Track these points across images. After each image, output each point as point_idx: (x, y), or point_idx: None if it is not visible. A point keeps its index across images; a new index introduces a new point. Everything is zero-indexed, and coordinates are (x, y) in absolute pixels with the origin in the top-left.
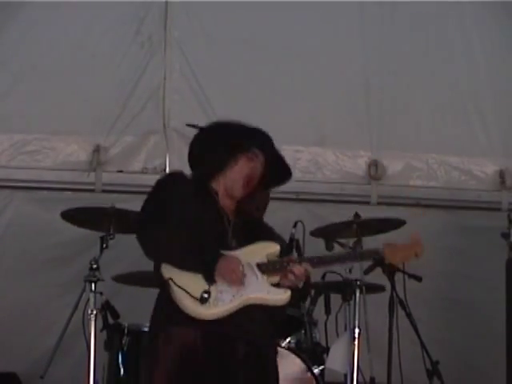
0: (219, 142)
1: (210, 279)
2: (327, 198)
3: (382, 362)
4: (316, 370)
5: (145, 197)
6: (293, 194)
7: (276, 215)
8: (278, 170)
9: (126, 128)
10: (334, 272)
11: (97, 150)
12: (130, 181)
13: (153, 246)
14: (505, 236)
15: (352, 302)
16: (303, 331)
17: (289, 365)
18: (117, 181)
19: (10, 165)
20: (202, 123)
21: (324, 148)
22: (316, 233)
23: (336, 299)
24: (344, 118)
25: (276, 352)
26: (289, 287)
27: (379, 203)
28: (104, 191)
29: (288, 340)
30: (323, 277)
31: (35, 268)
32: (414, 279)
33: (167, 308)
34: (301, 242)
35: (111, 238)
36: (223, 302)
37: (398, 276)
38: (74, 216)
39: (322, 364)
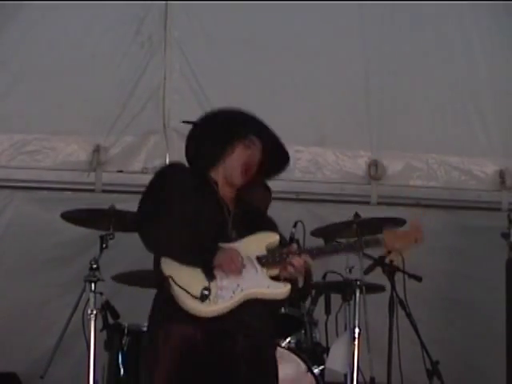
0: (215, 132)
1: (210, 275)
2: (327, 197)
3: (382, 362)
4: (316, 370)
5: None
6: (293, 193)
7: (276, 215)
8: (277, 156)
9: (126, 128)
10: (335, 272)
11: (97, 149)
12: (130, 181)
13: (153, 240)
14: (505, 236)
15: (352, 302)
16: (303, 331)
17: (289, 365)
18: (117, 181)
19: (9, 165)
20: None
21: (324, 148)
22: (316, 233)
23: (336, 299)
24: (344, 118)
25: (275, 347)
26: (289, 279)
27: (379, 203)
28: (104, 191)
29: (288, 340)
30: (324, 277)
31: (35, 268)
32: (414, 279)
33: (166, 306)
34: (301, 241)
35: (111, 238)
36: (223, 298)
37: (398, 276)
38: (73, 216)
39: (322, 364)
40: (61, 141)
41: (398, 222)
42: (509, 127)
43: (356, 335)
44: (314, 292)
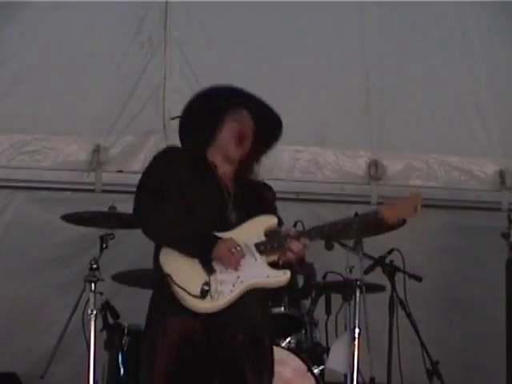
0: (201, 113)
1: (209, 269)
2: (327, 198)
3: (382, 361)
4: (316, 370)
5: None
6: (293, 193)
7: None
8: (269, 123)
9: (125, 128)
10: (335, 272)
11: (97, 150)
12: (129, 181)
13: (151, 228)
14: (505, 236)
15: (352, 302)
16: (303, 331)
17: (289, 365)
18: (117, 181)
19: (9, 165)
20: None
21: (324, 148)
22: None
23: (336, 299)
24: (344, 118)
25: (272, 338)
26: (289, 263)
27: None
28: (104, 191)
29: (288, 340)
30: (324, 277)
31: (35, 268)
32: (414, 279)
33: (165, 300)
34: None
35: (111, 238)
36: (223, 294)
37: (398, 276)
38: (73, 217)
39: (322, 364)
40: (61, 141)
41: (398, 222)
42: (509, 127)
43: (356, 335)
44: (314, 292)
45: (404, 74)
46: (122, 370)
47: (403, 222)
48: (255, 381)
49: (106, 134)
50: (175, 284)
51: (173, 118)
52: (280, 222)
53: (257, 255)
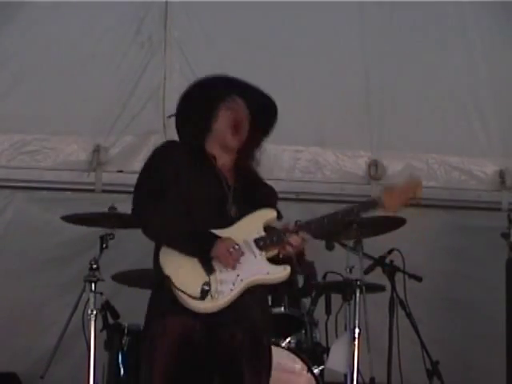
0: (196, 103)
1: (209, 268)
2: (327, 198)
3: (382, 361)
4: (316, 370)
5: None
6: (293, 193)
7: None
8: (265, 110)
9: (125, 128)
10: (335, 272)
11: (97, 150)
12: (130, 181)
13: (150, 230)
14: (505, 236)
15: (352, 302)
16: (303, 331)
17: (289, 365)
18: (117, 181)
19: (9, 165)
20: None
21: (324, 148)
22: None
23: (336, 299)
24: (344, 118)
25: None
26: (289, 258)
27: None
28: (104, 191)
29: (288, 340)
30: (324, 277)
31: (35, 268)
32: (414, 279)
33: (165, 299)
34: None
35: (111, 238)
36: (223, 294)
37: (398, 276)
38: (73, 217)
39: (322, 364)
40: (61, 141)
41: (398, 222)
42: (509, 127)
43: (356, 335)
44: (314, 292)
45: (404, 74)
46: (122, 370)
47: (403, 221)
48: (253, 380)
49: (106, 134)
50: (175, 287)
51: (169, 116)
52: (279, 216)
53: (256, 251)
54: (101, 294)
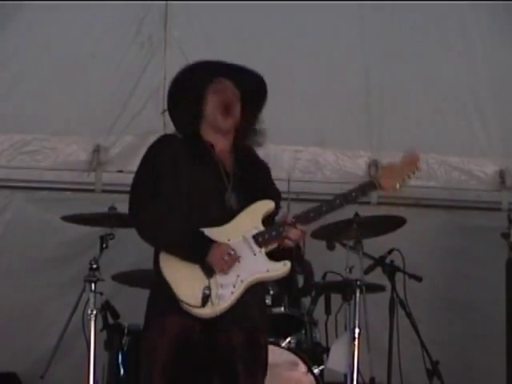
0: (185, 91)
1: (209, 272)
2: (327, 198)
3: (382, 361)
4: (316, 370)
5: None
6: (293, 194)
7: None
8: (254, 86)
9: (125, 128)
10: (335, 272)
11: (97, 150)
12: (129, 181)
13: (145, 235)
14: (505, 236)
15: (352, 302)
16: (303, 331)
17: (289, 365)
18: (117, 181)
19: (9, 165)
20: None
21: (324, 148)
22: (316, 232)
23: (336, 299)
24: (344, 118)
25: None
26: (289, 250)
27: (379, 203)
28: (104, 191)
29: (288, 340)
30: (324, 277)
31: (35, 268)
32: (414, 279)
33: (164, 300)
34: (301, 242)
35: (111, 238)
36: (224, 298)
37: (398, 276)
38: (73, 217)
39: (322, 364)
40: (61, 141)
41: (398, 222)
42: (509, 127)
43: (356, 335)
44: (313, 292)
45: (404, 74)
46: (121, 370)
47: (403, 221)
48: (248, 381)
49: (106, 134)
50: (178, 299)
51: (163, 112)
52: (277, 206)
53: (256, 248)
54: (101, 293)
